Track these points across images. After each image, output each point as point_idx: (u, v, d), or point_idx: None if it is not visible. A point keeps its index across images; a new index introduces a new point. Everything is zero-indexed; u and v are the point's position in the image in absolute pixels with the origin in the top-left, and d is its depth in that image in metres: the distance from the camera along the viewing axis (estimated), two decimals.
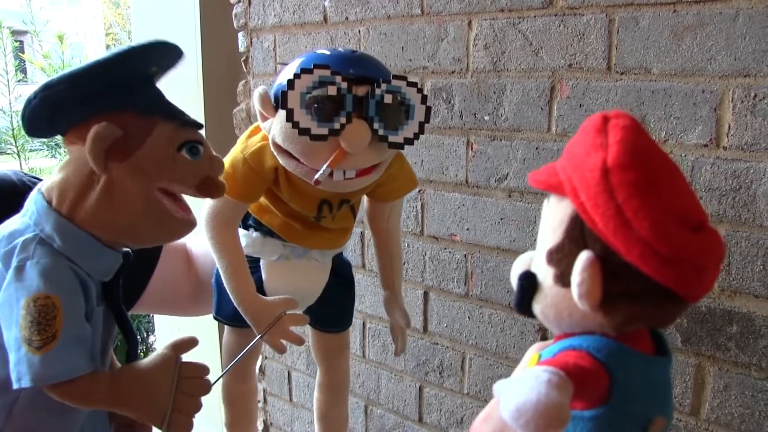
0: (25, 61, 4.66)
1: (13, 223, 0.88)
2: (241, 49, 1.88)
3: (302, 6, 1.68)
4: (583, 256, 0.67)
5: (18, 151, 3.64)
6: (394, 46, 1.50)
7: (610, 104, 1.19)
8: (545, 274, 0.73)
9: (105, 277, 0.90)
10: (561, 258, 0.71)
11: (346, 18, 1.58)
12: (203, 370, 0.93)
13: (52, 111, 0.85)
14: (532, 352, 0.81)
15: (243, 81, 1.89)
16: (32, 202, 0.88)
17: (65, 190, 0.86)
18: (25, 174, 1.20)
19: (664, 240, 0.64)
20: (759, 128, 1.05)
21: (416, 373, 1.62)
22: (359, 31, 1.57)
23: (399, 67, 1.48)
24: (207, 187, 0.90)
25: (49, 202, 0.86)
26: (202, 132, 0.92)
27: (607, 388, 0.68)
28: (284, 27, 1.74)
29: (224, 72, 1.99)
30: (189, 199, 0.93)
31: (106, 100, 0.84)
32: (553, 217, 0.73)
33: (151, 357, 0.91)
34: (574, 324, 0.72)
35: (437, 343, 1.56)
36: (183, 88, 2.01)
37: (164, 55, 0.90)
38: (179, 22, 2.02)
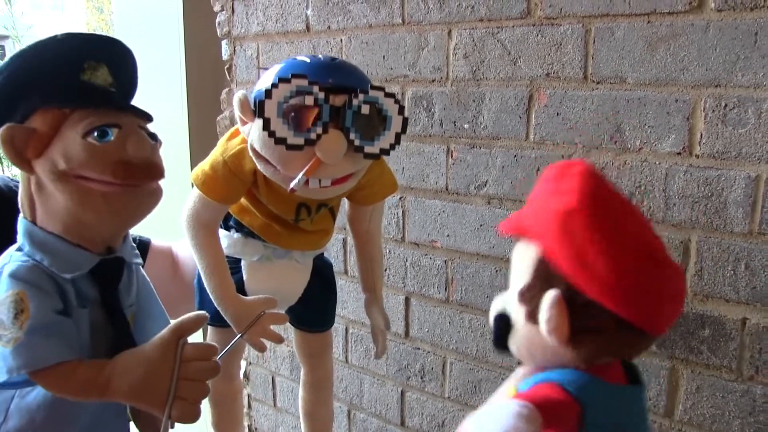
0: None
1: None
2: (225, 57, 1.89)
3: (285, 15, 1.69)
4: (550, 295, 0.72)
5: (0, 157, 3.62)
6: (375, 54, 1.52)
7: (586, 113, 1.22)
8: (517, 313, 0.78)
9: (70, 274, 0.87)
10: (531, 297, 0.75)
11: (328, 27, 1.60)
12: (208, 350, 0.88)
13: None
14: (511, 382, 0.84)
15: (227, 89, 1.90)
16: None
17: (23, 198, 0.89)
18: (11, 179, 1.20)
19: (623, 277, 0.69)
20: (729, 137, 1.08)
21: (398, 377, 1.63)
22: (341, 39, 1.58)
23: (380, 76, 1.50)
24: (120, 171, 0.85)
25: (22, 212, 0.90)
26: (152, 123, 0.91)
27: (577, 420, 0.71)
28: (267, 35, 1.76)
29: (208, 80, 2.00)
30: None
31: (21, 103, 0.85)
32: (522, 260, 0.78)
33: (150, 341, 0.87)
34: (547, 358, 0.76)
35: (419, 348, 1.58)
36: (167, 95, 2.01)
37: (87, 47, 0.88)
38: (162, 29, 2.03)
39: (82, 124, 0.85)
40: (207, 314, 0.92)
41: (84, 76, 0.88)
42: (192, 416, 0.85)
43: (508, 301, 0.80)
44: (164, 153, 0.94)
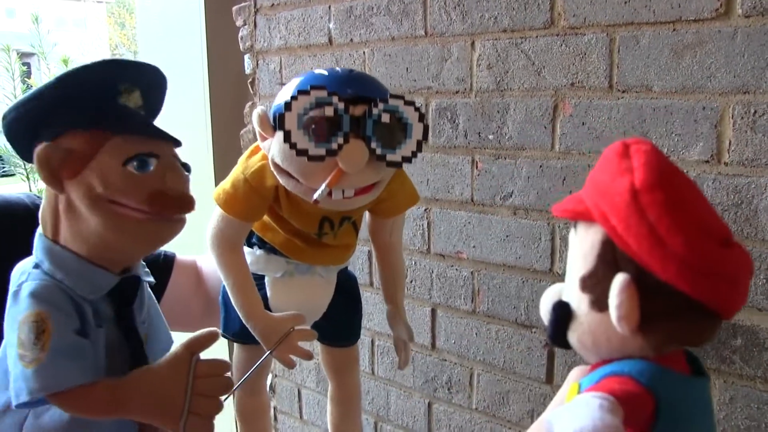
0: (32, 86, 4.71)
1: (29, 259, 0.90)
2: (248, 71, 1.90)
3: (307, 28, 1.70)
4: (620, 278, 0.67)
5: (27, 174, 3.67)
6: (398, 67, 1.52)
7: (612, 122, 1.21)
8: (579, 302, 0.74)
9: (93, 295, 0.88)
10: (595, 283, 0.71)
11: (351, 40, 1.61)
12: (222, 367, 0.89)
13: (16, 141, 0.88)
14: (571, 381, 0.81)
15: (249, 103, 1.91)
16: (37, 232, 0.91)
17: (46, 215, 0.89)
18: (38, 196, 1.22)
19: (698, 255, 0.65)
20: (759, 144, 1.06)
21: (425, 389, 1.63)
22: (364, 52, 1.59)
23: (403, 88, 1.51)
24: (156, 202, 0.86)
25: (40, 229, 0.89)
26: (179, 149, 0.91)
27: (652, 412, 0.68)
28: (290, 49, 1.77)
29: (231, 94, 2.01)
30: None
31: (58, 121, 0.85)
32: (583, 245, 0.74)
33: (163, 357, 0.88)
34: (613, 349, 0.72)
35: (445, 360, 1.57)
36: (190, 110, 2.03)
37: (121, 71, 0.89)
38: (185, 44, 2.05)
39: (121, 151, 0.85)
40: (219, 331, 0.93)
41: (121, 99, 0.89)
42: (206, 431, 0.86)
43: (566, 291, 0.77)
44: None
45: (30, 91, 0.86)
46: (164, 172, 0.88)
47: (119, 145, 0.86)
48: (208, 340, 0.89)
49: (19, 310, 0.83)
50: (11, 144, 0.89)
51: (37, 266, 0.87)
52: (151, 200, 0.86)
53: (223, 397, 0.91)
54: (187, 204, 0.90)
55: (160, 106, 0.97)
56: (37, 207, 1.16)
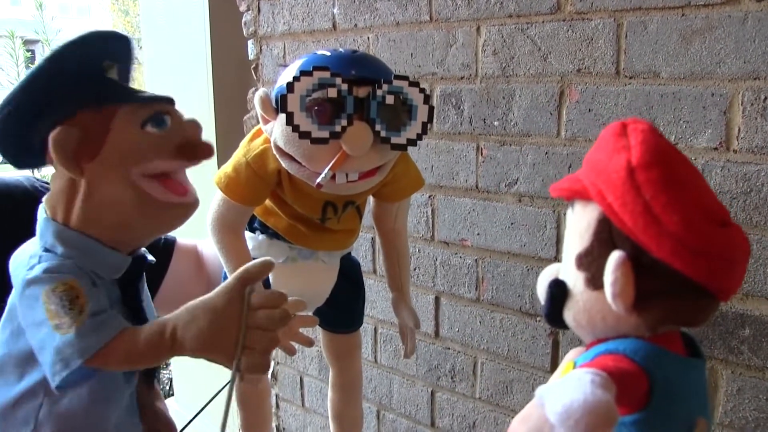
0: None
1: (28, 245, 0.89)
2: (251, 56, 1.89)
3: (311, 13, 1.68)
4: (615, 256, 0.67)
5: None
6: (403, 52, 1.50)
7: (619, 108, 1.19)
8: (575, 280, 0.74)
9: (112, 276, 0.88)
10: (591, 261, 0.71)
11: (355, 25, 1.59)
12: (278, 299, 0.84)
13: (13, 138, 0.85)
14: (567, 359, 0.81)
15: (253, 88, 1.89)
16: (38, 218, 0.89)
17: (56, 200, 0.87)
18: (37, 180, 1.21)
19: (694, 234, 0.65)
20: None
21: (428, 377, 1.62)
22: (368, 38, 1.57)
23: (408, 73, 1.48)
24: (187, 152, 0.86)
25: (48, 214, 0.87)
26: (176, 106, 0.90)
27: (646, 390, 0.68)
28: (293, 34, 1.75)
29: (234, 80, 2.00)
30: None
31: (58, 106, 0.84)
32: (579, 223, 0.73)
33: (215, 290, 0.84)
34: (608, 328, 0.72)
35: (449, 348, 1.56)
36: (193, 95, 2.02)
37: (105, 46, 0.88)
38: (189, 30, 2.03)
39: (135, 116, 0.85)
40: (274, 261, 0.87)
41: (108, 74, 0.88)
42: (262, 367, 0.82)
43: (563, 269, 0.76)
44: None
45: (18, 83, 0.83)
46: (181, 123, 0.88)
47: (130, 112, 0.85)
48: (262, 270, 0.84)
49: (38, 288, 0.81)
50: (9, 142, 0.87)
51: (47, 251, 0.85)
52: (180, 151, 0.86)
53: (224, 381, 0.88)
54: (210, 149, 0.89)
55: (130, 76, 0.95)
56: (37, 190, 1.15)
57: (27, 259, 0.85)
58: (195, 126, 0.89)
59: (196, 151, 0.87)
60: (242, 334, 0.80)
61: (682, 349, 0.75)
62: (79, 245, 0.85)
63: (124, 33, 0.91)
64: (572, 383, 0.62)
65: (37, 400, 0.87)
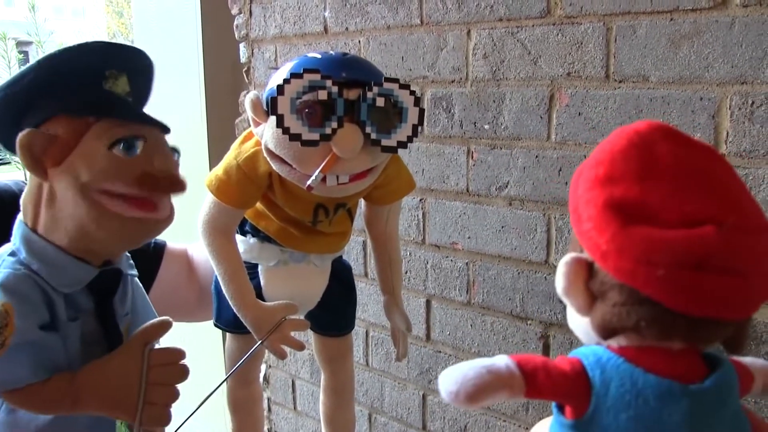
0: None
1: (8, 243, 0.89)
2: (243, 59, 1.89)
3: (303, 17, 1.69)
4: (567, 256, 0.66)
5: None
6: (394, 56, 1.51)
7: (608, 112, 1.20)
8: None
9: (67, 288, 0.86)
10: None
11: (346, 28, 1.59)
12: (176, 355, 0.88)
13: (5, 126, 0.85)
14: None
15: (245, 92, 1.89)
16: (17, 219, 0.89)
17: (27, 203, 0.87)
18: (26, 184, 1.20)
19: (601, 230, 0.61)
20: (757, 135, 1.05)
21: (419, 381, 1.62)
22: (359, 41, 1.58)
23: (399, 77, 1.49)
24: (145, 184, 0.84)
25: (21, 216, 0.88)
26: (168, 135, 0.90)
27: (585, 397, 0.64)
28: (285, 38, 1.75)
29: (226, 83, 2.00)
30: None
31: (42, 106, 0.83)
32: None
33: (117, 349, 0.87)
34: (583, 333, 0.70)
35: (440, 351, 1.56)
36: (185, 98, 2.02)
37: (108, 55, 0.87)
38: (181, 32, 2.03)
39: (107, 135, 0.83)
40: (171, 320, 0.91)
41: (106, 85, 0.87)
42: (163, 420, 0.85)
43: None
44: (182, 157, 0.93)
45: (10, 77, 0.84)
46: (152, 153, 0.86)
47: (104, 129, 0.83)
48: (160, 329, 0.88)
49: None
50: None
51: (13, 254, 0.85)
52: (140, 182, 0.84)
53: (215, 385, 0.90)
54: (177, 184, 0.88)
55: (148, 92, 0.95)
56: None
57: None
58: (166, 160, 0.87)
59: (157, 185, 0.86)
60: (142, 391, 0.83)
61: (693, 372, 0.65)
62: (41, 252, 0.85)
63: (130, 44, 0.90)
64: (474, 362, 0.63)
65: None
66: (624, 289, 0.62)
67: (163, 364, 0.86)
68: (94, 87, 0.86)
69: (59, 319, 0.85)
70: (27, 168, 0.83)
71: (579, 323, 0.70)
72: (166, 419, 0.86)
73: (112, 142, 0.83)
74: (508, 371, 0.63)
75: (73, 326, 0.87)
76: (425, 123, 1.47)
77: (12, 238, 0.87)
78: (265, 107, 0.99)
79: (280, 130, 0.94)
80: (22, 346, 0.80)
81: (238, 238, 1.15)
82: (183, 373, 0.87)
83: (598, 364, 0.65)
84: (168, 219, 0.90)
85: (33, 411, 0.83)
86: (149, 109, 0.95)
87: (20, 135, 0.81)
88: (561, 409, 0.67)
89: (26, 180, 0.90)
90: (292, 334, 1.08)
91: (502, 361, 0.63)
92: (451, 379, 0.62)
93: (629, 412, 0.63)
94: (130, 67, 0.90)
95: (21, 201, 0.88)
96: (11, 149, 0.86)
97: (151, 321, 0.89)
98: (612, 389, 0.64)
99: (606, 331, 0.65)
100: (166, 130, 0.90)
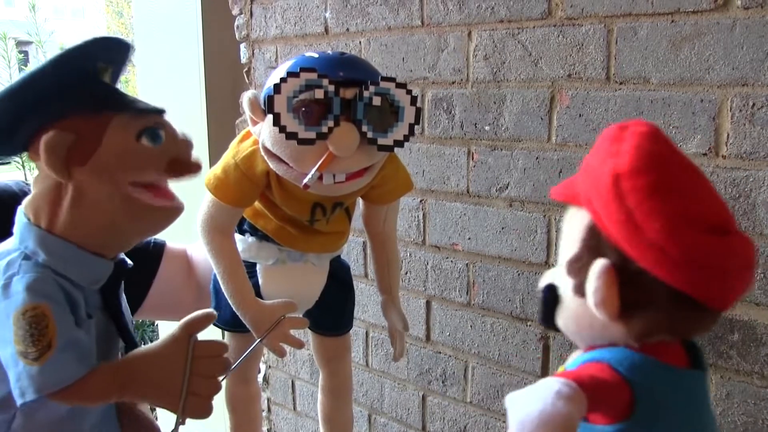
0: None
1: (4, 245, 0.88)
2: (243, 60, 1.89)
3: (303, 18, 1.69)
4: (598, 264, 0.67)
5: (23, 162, 3.64)
6: (394, 57, 1.51)
7: (609, 114, 1.20)
8: (565, 286, 0.73)
9: (95, 285, 0.88)
10: (580, 268, 0.70)
11: (347, 29, 1.59)
12: (219, 348, 0.90)
13: (2, 131, 0.85)
14: (566, 362, 0.80)
15: (245, 92, 1.89)
16: (17, 221, 0.88)
17: (40, 205, 0.87)
18: (27, 184, 1.20)
19: (675, 242, 0.63)
20: (757, 137, 1.05)
21: (419, 381, 1.62)
22: (360, 42, 1.58)
23: (400, 78, 1.49)
24: (176, 169, 0.88)
25: (29, 218, 0.87)
26: (167, 117, 0.91)
27: (629, 401, 0.66)
28: (286, 38, 1.75)
29: (226, 83, 2.00)
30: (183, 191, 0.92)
31: (53, 107, 0.83)
32: (572, 228, 0.73)
33: (161, 339, 0.88)
34: (597, 335, 0.71)
35: (440, 352, 1.56)
36: (186, 98, 2.02)
37: (104, 50, 0.89)
38: (181, 33, 2.03)
39: (132, 127, 0.85)
40: (215, 312, 0.93)
41: (103, 77, 0.88)
42: (205, 412, 0.87)
43: (557, 274, 0.76)
44: None
45: (11, 84, 0.83)
46: (173, 139, 0.89)
47: (126, 122, 0.85)
48: (205, 320, 0.90)
49: (11, 304, 0.80)
50: None
51: (27, 257, 0.84)
52: (171, 167, 0.87)
53: (220, 378, 0.91)
54: (199, 167, 0.92)
55: (119, 78, 0.96)
56: (25, 194, 1.15)
57: (4, 264, 0.84)
58: (187, 144, 0.91)
59: (187, 169, 0.89)
60: (186, 381, 0.85)
61: (682, 359, 0.73)
62: (62, 253, 0.85)
63: (124, 38, 0.91)
64: (537, 392, 0.62)
65: (10, 410, 0.87)
66: (677, 296, 0.65)
67: (207, 356, 0.88)
68: (95, 81, 0.87)
69: (80, 317, 0.86)
70: (52, 169, 0.82)
71: (590, 325, 0.71)
72: (209, 410, 0.87)
73: (138, 132, 0.85)
74: (577, 395, 0.63)
75: (91, 323, 0.89)
76: (426, 124, 1.47)
77: (18, 243, 0.87)
78: (262, 106, 0.99)
79: (277, 129, 0.94)
80: (67, 344, 0.81)
81: (237, 237, 1.16)
82: (225, 366, 0.89)
83: (633, 370, 0.68)
84: (182, 207, 0.92)
85: (83, 404, 0.84)
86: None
87: (45, 137, 0.81)
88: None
89: (27, 181, 0.90)
90: (292, 332, 1.08)
91: (568, 387, 0.63)
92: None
93: (671, 402, 0.69)
94: (113, 57, 0.91)
95: (28, 204, 0.88)
96: (10, 142, 0.86)
97: (196, 312, 0.90)
98: (652, 388, 0.68)
99: (648, 337, 0.68)
100: (164, 112, 0.91)
